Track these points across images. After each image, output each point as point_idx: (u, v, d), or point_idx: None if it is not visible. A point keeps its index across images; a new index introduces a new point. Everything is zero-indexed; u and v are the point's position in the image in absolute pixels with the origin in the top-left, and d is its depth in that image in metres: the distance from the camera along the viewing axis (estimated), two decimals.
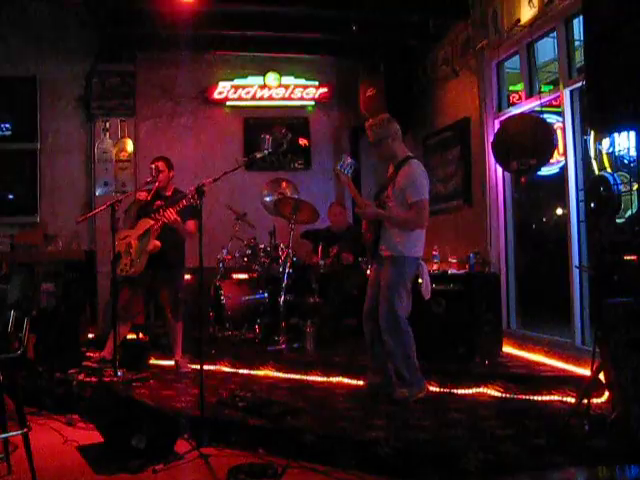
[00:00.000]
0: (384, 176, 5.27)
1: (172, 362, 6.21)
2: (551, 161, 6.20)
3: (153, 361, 6.46)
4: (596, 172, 5.39)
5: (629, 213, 5.02)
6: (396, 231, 4.94)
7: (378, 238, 5.01)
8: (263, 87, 9.14)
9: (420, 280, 5.11)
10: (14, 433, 3.76)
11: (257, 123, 9.22)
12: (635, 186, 4.99)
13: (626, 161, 5.11)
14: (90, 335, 7.61)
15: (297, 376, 5.89)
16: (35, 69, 8.43)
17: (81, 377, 5.61)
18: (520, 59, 6.75)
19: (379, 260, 5.05)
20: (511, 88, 7.35)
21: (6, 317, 4.14)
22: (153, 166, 6.14)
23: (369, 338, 5.10)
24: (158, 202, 6.05)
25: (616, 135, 5.15)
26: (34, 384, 5.46)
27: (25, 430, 3.69)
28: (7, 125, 8.34)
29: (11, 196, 8.45)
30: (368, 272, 6.25)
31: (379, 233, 5.00)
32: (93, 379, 5.53)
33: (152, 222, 5.92)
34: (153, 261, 5.94)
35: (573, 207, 5.94)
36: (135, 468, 3.88)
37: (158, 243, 5.92)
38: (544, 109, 6.29)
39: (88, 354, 6.56)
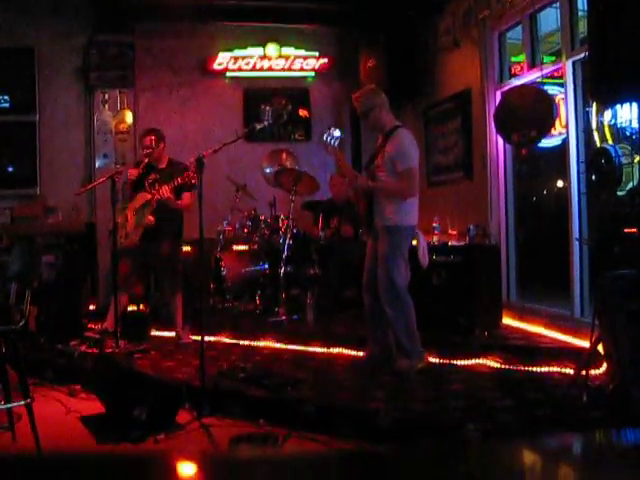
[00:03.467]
0: (374, 146, 5.26)
1: (173, 333, 6.24)
2: (552, 133, 6.17)
3: (154, 332, 6.48)
4: (597, 144, 5.37)
5: (630, 185, 5.00)
6: (388, 201, 4.92)
7: (371, 209, 5.01)
8: (263, 58, 9.06)
9: (419, 249, 5.10)
10: (18, 403, 3.80)
11: (257, 94, 9.17)
12: (637, 158, 4.97)
13: (628, 133, 5.08)
14: (91, 307, 7.64)
15: (297, 347, 5.92)
16: (33, 40, 8.34)
17: (82, 348, 5.64)
18: (522, 30, 6.69)
19: (375, 232, 5.05)
20: (513, 59, 7.29)
21: (7, 289, 4.16)
22: (145, 140, 6.07)
23: (369, 310, 5.11)
24: (153, 175, 5.99)
25: (618, 107, 5.11)
26: (36, 356, 5.49)
27: (28, 400, 3.73)
28: (5, 97, 8.28)
29: (10, 168, 8.42)
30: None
31: (372, 204, 5.00)
32: (94, 350, 5.57)
33: (149, 196, 5.88)
34: (150, 234, 5.92)
35: (574, 179, 5.93)
36: (137, 438, 3.91)
37: (152, 218, 5.88)
38: (546, 80, 6.25)
39: (89, 325, 6.59)
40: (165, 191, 5.76)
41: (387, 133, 5.01)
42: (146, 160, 6.02)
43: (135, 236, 5.90)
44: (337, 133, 5.03)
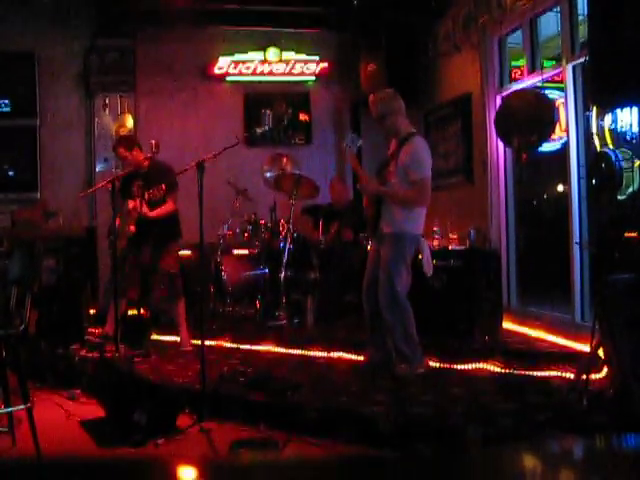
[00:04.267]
0: (387, 151, 5.25)
1: (173, 338, 6.22)
2: (553, 137, 6.18)
3: (154, 337, 6.48)
4: (598, 148, 5.37)
5: (630, 190, 5.00)
6: (397, 208, 4.93)
7: (379, 214, 5.00)
8: (263, 62, 9.06)
9: (420, 256, 5.11)
10: (18, 407, 3.80)
11: (258, 98, 9.18)
12: (637, 162, 4.97)
13: (628, 137, 5.08)
14: (91, 311, 7.62)
15: (297, 351, 5.91)
16: (34, 45, 8.34)
17: (83, 353, 5.63)
18: (522, 34, 6.70)
19: (379, 236, 5.05)
20: (513, 64, 7.30)
21: (8, 293, 4.16)
22: (118, 153, 6.05)
23: (369, 314, 5.11)
24: (137, 182, 5.96)
25: (618, 111, 5.11)
26: (36, 360, 5.48)
27: (28, 405, 3.72)
28: (6, 101, 8.28)
29: (11, 172, 8.42)
30: (369, 248, 6.26)
31: (380, 209, 5.00)
32: (95, 355, 5.56)
33: (132, 204, 5.87)
34: (142, 239, 5.92)
35: (574, 183, 5.94)
36: (137, 442, 3.90)
37: (133, 228, 5.87)
38: (546, 85, 6.25)
39: (90, 330, 6.58)
40: (140, 207, 5.77)
41: (402, 140, 5.00)
42: (127, 170, 6.00)
43: (120, 244, 5.86)
44: (357, 140, 5.04)
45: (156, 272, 6.07)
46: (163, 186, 5.82)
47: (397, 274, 4.87)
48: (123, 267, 6.00)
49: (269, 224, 7.41)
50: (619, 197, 5.05)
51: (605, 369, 4.44)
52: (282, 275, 6.88)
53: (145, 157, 5.99)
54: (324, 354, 5.78)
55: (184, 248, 7.11)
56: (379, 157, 5.80)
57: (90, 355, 5.57)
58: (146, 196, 5.72)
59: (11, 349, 3.87)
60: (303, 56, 9.17)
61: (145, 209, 5.80)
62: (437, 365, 5.25)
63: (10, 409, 3.87)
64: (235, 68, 9.01)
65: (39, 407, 4.22)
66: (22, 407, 3.74)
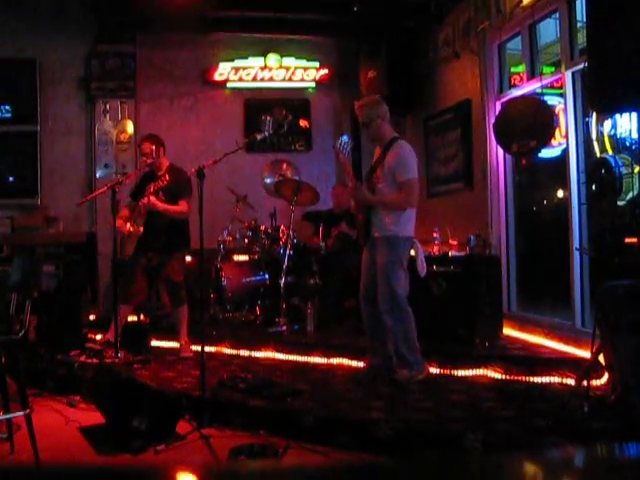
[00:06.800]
0: (373, 158, 5.26)
1: (173, 344, 6.21)
2: (552, 143, 6.18)
3: (154, 343, 6.47)
4: (597, 154, 5.37)
5: (630, 195, 5.00)
6: (386, 212, 4.94)
7: (369, 220, 5.01)
8: (264, 68, 9.09)
9: (414, 254, 5.09)
10: (17, 414, 3.79)
11: (258, 104, 9.19)
12: (637, 168, 4.97)
13: (628, 143, 5.09)
14: (91, 317, 7.62)
15: (298, 357, 5.90)
16: (35, 51, 8.36)
17: (82, 359, 5.62)
18: (522, 40, 6.71)
19: (372, 242, 5.05)
20: (513, 70, 7.31)
21: (7, 299, 4.16)
22: (144, 148, 5.97)
23: (367, 320, 5.11)
24: (152, 184, 5.93)
25: (618, 117, 5.12)
26: (35, 366, 5.48)
27: (27, 411, 3.72)
28: (7, 107, 8.29)
29: (11, 178, 8.43)
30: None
31: (370, 215, 5.00)
32: (94, 361, 5.55)
33: (142, 201, 5.84)
34: (148, 243, 5.89)
35: (574, 189, 5.93)
36: (136, 449, 3.90)
37: (135, 228, 5.83)
38: (546, 91, 6.26)
39: (89, 335, 6.58)
40: (147, 198, 5.73)
41: (386, 145, 5.03)
42: (146, 169, 6.02)
43: (130, 245, 5.86)
44: (348, 140, 5.04)
45: (160, 278, 6.04)
46: (166, 179, 5.79)
47: (395, 277, 4.87)
48: (133, 272, 5.97)
49: (269, 230, 7.41)
50: (619, 203, 5.05)
51: (606, 375, 4.43)
52: (282, 281, 6.88)
53: (170, 163, 6.03)
54: (324, 360, 5.77)
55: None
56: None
57: (90, 361, 5.56)
58: (152, 187, 5.71)
59: (10, 355, 3.87)
60: (303, 62, 9.20)
61: (154, 199, 5.74)
62: (437, 371, 5.25)
63: (9, 415, 3.87)
64: (235, 74, 9.03)
65: (38, 413, 4.21)
66: (21, 413, 3.74)
